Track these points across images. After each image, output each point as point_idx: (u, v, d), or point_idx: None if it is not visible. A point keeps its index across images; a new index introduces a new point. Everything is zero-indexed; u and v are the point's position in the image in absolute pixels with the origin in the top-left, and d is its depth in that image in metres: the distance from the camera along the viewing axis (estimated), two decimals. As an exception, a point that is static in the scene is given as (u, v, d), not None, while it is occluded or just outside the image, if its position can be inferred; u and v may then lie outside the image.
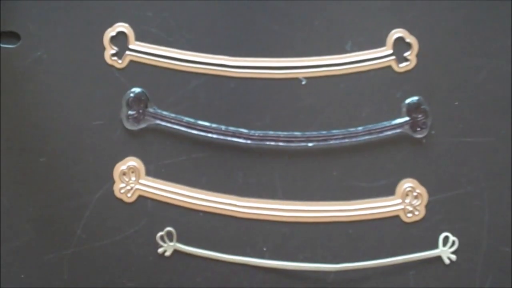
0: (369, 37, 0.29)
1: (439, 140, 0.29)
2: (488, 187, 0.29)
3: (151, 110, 0.29)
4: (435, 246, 0.28)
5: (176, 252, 0.28)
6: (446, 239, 0.28)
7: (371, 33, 0.29)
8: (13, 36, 0.29)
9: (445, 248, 0.28)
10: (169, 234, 0.28)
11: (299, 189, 0.29)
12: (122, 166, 0.29)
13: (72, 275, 0.29)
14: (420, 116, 0.28)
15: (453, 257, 0.28)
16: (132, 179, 0.29)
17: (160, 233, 0.28)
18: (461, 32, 0.29)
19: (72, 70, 0.29)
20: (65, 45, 0.29)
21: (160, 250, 0.28)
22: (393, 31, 0.29)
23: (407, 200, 0.29)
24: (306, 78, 0.29)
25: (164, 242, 0.28)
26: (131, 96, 0.29)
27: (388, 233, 0.29)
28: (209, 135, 0.28)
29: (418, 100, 0.29)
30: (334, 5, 0.29)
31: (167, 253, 0.28)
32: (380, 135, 0.28)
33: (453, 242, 0.28)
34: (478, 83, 0.29)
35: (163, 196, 0.29)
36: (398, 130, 0.29)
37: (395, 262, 0.28)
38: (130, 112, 0.29)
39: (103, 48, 0.29)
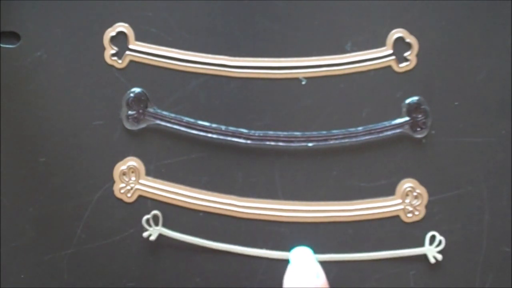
0: (369, 37, 0.29)
1: (439, 140, 0.29)
2: (488, 187, 0.29)
3: (151, 110, 0.29)
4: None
5: (176, 252, 0.28)
6: (433, 238, 0.28)
7: (371, 33, 0.29)
8: (13, 36, 0.29)
9: (431, 247, 0.28)
10: (155, 218, 0.28)
11: (299, 189, 0.29)
12: (122, 166, 0.29)
13: (72, 275, 0.29)
14: (420, 116, 0.28)
15: (439, 256, 0.28)
16: (132, 179, 0.29)
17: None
18: (461, 32, 0.29)
19: (72, 70, 0.29)
20: (65, 45, 0.29)
21: (148, 236, 0.28)
22: (393, 31, 0.29)
23: (407, 200, 0.29)
24: (306, 78, 0.29)
25: (151, 225, 0.28)
26: (131, 96, 0.29)
27: (388, 233, 0.29)
28: (209, 135, 0.28)
29: (418, 100, 0.29)
30: (334, 5, 0.29)
31: (152, 237, 0.28)
32: (380, 135, 0.28)
33: (440, 242, 0.28)
34: (478, 83, 0.29)
35: (163, 196, 0.29)
36: (398, 130, 0.29)
37: (378, 257, 0.28)
38: (130, 112, 0.29)
39: (103, 48, 0.29)
